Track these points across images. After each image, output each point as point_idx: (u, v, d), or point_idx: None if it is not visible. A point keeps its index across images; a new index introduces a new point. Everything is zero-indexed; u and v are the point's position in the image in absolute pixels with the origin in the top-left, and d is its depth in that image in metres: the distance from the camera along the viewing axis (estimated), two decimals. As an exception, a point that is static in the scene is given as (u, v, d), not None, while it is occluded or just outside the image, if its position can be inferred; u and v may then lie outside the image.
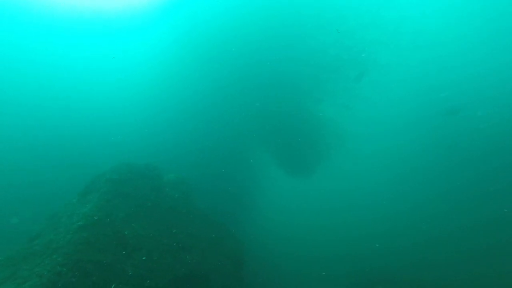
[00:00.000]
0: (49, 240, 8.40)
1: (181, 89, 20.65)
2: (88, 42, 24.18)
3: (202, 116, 19.88)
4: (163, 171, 14.91)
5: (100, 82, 23.72)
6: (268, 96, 19.94)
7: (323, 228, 21.46)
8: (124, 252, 8.72)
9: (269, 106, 20.04)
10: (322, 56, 20.63)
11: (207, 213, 13.94)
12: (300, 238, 20.88)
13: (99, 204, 10.00)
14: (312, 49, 20.09)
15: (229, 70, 19.94)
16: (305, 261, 18.27)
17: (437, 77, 24.86)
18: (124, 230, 9.83)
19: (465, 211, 18.50)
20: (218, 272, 10.52)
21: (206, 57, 20.44)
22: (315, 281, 16.22)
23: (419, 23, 23.17)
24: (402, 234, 19.02)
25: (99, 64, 24.32)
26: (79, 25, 23.50)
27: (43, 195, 15.97)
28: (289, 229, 21.40)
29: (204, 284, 9.76)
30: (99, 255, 8.23)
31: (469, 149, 21.66)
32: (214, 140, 19.56)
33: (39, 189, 16.84)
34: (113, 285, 7.29)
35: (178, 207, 12.52)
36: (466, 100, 23.54)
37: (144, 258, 9.00)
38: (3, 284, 6.77)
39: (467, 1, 23.14)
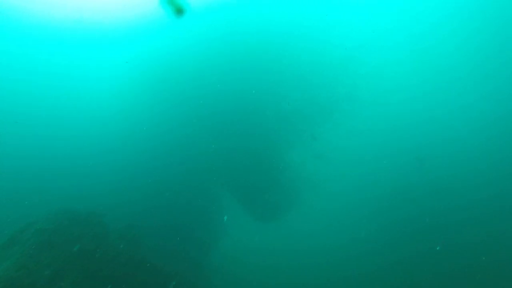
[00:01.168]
0: None
1: (138, 130, 19.96)
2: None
3: (161, 159, 19.09)
4: (109, 218, 13.52)
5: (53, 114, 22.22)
6: (235, 144, 20.05)
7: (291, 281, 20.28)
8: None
9: (235, 152, 20.04)
10: (290, 108, 21.78)
11: (156, 265, 12.57)
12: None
13: (21, 261, 8.57)
14: (278, 102, 21.21)
15: (197, 116, 19.97)
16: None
17: (405, 129, 27.01)
18: (49, 292, 8.39)
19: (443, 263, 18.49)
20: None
21: (169, 99, 20.35)
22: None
23: (386, 76, 26.02)
24: (373, 281, 18.48)
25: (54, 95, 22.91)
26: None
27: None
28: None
29: None
30: (8, 327, 6.77)
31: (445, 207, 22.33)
32: (175, 185, 18.58)
33: None
34: None
35: (121, 259, 11.18)
36: (431, 149, 25.36)
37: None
38: None
39: (430, 56, 26.58)
